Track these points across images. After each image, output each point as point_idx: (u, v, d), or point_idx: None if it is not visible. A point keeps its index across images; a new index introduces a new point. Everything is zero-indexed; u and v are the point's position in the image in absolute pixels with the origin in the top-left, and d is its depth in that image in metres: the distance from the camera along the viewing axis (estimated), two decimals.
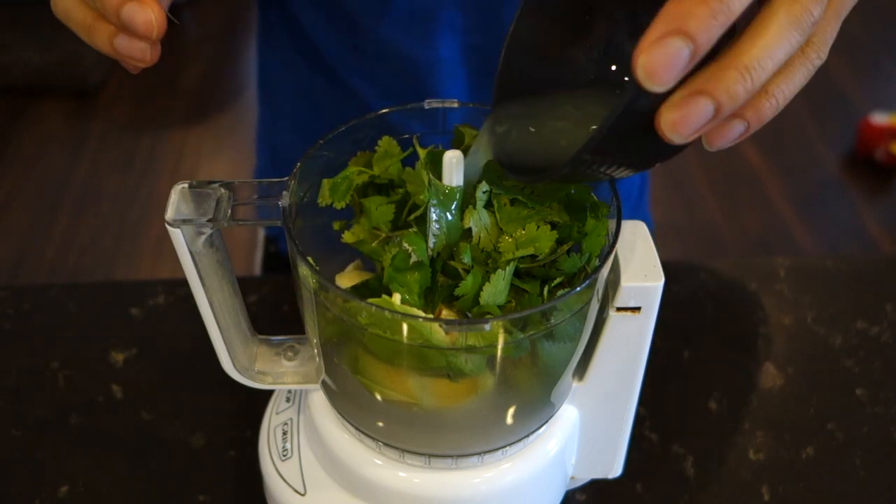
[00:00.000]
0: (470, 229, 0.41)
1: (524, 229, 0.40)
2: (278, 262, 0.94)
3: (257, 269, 1.06)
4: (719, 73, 0.30)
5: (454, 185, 0.41)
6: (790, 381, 0.67)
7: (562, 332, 0.41)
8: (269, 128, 0.87)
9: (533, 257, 0.40)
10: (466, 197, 0.42)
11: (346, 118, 0.45)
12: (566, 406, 0.48)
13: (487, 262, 0.40)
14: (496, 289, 0.38)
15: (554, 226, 0.41)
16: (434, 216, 0.40)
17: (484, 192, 0.41)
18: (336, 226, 0.46)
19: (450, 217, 0.41)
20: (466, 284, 0.39)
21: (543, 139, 0.40)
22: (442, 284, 0.41)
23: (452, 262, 0.41)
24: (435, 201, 0.40)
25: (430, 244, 0.40)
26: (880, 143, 2.14)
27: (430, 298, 0.41)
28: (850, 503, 0.59)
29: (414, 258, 0.40)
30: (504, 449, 0.45)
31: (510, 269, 0.39)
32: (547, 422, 0.47)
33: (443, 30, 0.69)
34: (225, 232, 0.42)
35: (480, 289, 0.39)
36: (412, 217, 0.42)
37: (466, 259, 0.40)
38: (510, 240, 0.40)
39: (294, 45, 0.77)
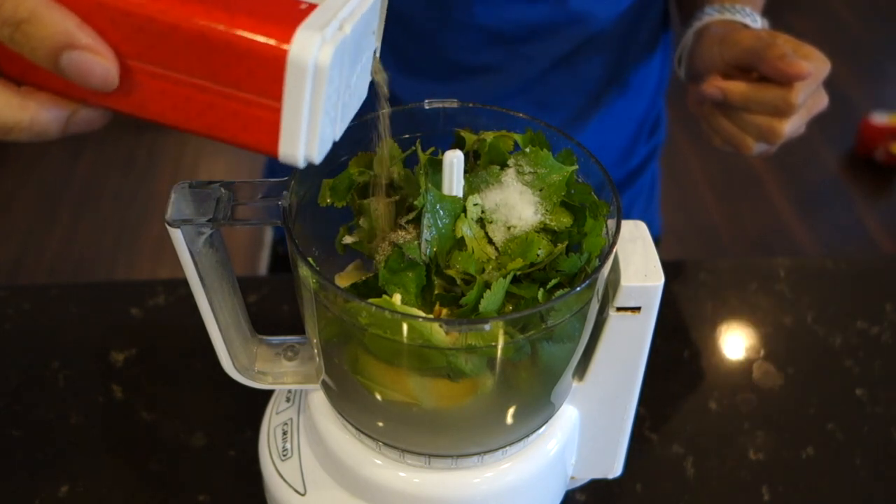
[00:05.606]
0: (462, 238, 0.41)
1: (515, 244, 0.41)
2: (286, 264, 0.94)
3: (262, 269, 1.05)
4: None
5: (454, 185, 0.41)
6: (790, 381, 0.67)
7: (562, 332, 0.41)
8: None
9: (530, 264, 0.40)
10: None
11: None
12: (566, 406, 0.48)
13: (482, 271, 0.40)
14: (496, 297, 0.38)
15: (552, 233, 0.41)
16: (427, 222, 0.40)
17: (475, 205, 0.41)
18: (339, 237, 0.46)
19: (441, 225, 0.40)
20: (471, 295, 0.39)
21: None
22: (440, 291, 0.41)
23: (448, 271, 0.40)
24: (429, 208, 0.40)
25: (425, 250, 0.40)
26: (880, 143, 2.13)
27: (428, 298, 0.41)
28: (849, 503, 0.59)
29: (408, 257, 0.40)
30: (504, 449, 0.45)
31: (508, 279, 0.39)
32: (547, 422, 0.47)
33: (491, 39, 0.69)
34: (226, 232, 0.42)
35: (481, 296, 0.39)
36: (406, 219, 0.42)
37: (461, 267, 0.40)
38: (505, 256, 0.40)
39: None
